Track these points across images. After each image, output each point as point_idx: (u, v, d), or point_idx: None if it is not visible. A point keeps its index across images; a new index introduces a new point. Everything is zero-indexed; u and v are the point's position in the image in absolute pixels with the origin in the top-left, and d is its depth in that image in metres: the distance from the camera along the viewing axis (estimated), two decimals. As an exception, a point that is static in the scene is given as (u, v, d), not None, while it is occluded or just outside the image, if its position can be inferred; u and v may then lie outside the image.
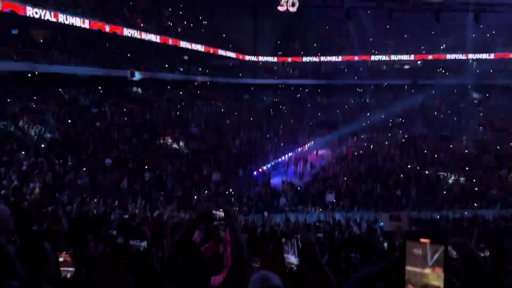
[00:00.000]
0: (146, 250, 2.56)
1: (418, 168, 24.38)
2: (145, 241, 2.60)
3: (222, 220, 2.40)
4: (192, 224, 2.44)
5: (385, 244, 6.58)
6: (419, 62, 46.42)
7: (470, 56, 42.52)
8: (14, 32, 24.20)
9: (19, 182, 13.45)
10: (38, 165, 15.98)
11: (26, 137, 18.65)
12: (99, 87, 28.34)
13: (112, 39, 30.57)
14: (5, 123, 18.86)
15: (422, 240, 1.33)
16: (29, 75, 23.66)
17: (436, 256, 1.31)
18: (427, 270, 1.32)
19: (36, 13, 22.74)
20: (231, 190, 20.65)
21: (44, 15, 23.23)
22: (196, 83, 38.52)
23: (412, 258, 1.33)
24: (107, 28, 27.91)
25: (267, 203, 19.06)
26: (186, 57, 39.48)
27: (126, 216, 9.75)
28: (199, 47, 38.03)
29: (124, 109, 27.40)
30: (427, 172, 23.39)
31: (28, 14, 22.28)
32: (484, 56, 41.83)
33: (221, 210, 2.42)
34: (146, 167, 19.72)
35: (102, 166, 18.35)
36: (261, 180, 23.67)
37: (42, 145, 18.44)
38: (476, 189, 21.00)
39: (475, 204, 18.74)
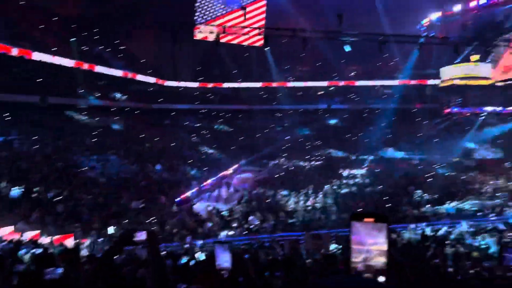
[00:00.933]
0: (63, 277, 2.41)
1: (335, 187, 25.63)
2: (61, 268, 2.44)
3: (144, 243, 2.33)
4: (113, 247, 2.35)
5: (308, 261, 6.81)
6: (331, 88, 49.37)
7: (377, 82, 46.21)
8: None
9: None
10: None
11: None
12: (7, 114, 26.22)
13: (20, 63, 28.63)
14: None
15: (366, 219, 1.42)
16: None
17: (380, 233, 1.41)
18: (372, 247, 1.41)
19: None
20: (153, 218, 19.96)
21: None
22: (114, 108, 37.20)
23: (357, 238, 1.43)
24: (15, 51, 26.15)
25: (192, 229, 18.69)
26: (102, 82, 38.10)
27: (39, 250, 9.02)
28: (117, 72, 36.97)
29: (34, 137, 25.56)
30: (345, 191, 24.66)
31: None
32: (390, 82, 45.75)
33: (142, 233, 2.36)
34: (60, 198, 18.44)
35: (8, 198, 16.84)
36: (184, 206, 23.22)
37: None
38: (390, 205, 22.45)
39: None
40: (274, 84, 47.76)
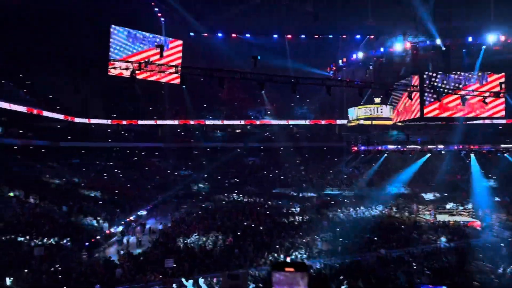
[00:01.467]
0: None
1: (253, 225, 25.66)
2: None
3: None
4: None
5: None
6: (248, 127, 50.49)
7: (291, 122, 48.31)
8: None
9: None
10: None
11: None
12: None
13: None
14: None
15: (287, 269, 1.41)
16: None
17: (302, 283, 1.40)
18: None
19: None
20: (57, 266, 18.27)
21: None
22: (15, 147, 34.31)
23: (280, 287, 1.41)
24: None
25: (101, 276, 17.36)
26: (3, 118, 35.17)
27: None
28: (20, 108, 34.38)
29: None
30: (261, 228, 24.75)
31: None
32: (301, 122, 48.17)
33: None
34: None
35: None
36: (94, 251, 21.65)
37: None
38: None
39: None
40: (192, 122, 47.66)
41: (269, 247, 21.31)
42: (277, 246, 21.33)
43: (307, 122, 48.29)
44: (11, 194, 26.49)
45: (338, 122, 47.19)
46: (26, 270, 16.85)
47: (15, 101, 34.01)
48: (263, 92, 28.39)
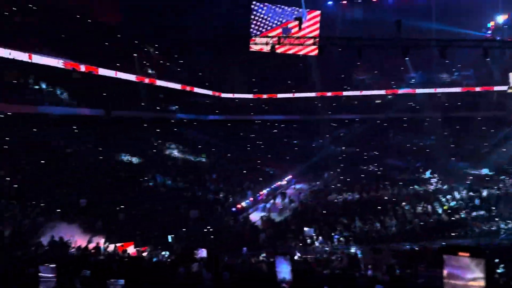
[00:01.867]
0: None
1: (394, 200, 24.62)
2: (123, 280, 2.50)
3: (204, 261, 2.32)
4: (173, 263, 2.36)
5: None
6: (389, 96, 47.76)
7: (438, 90, 44.08)
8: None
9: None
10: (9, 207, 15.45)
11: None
12: (74, 127, 27.93)
13: (86, 79, 30.42)
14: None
15: (461, 253, 1.33)
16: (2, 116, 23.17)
17: (477, 269, 1.32)
18: (470, 283, 1.32)
19: (10, 54, 22.59)
20: (209, 227, 20.27)
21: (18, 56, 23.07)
22: (172, 121, 38.47)
23: (452, 272, 1.33)
24: (82, 68, 27.85)
25: (246, 239, 18.75)
26: (161, 95, 39.59)
27: (102, 257, 9.45)
28: (176, 85, 38.26)
29: (100, 149, 26.97)
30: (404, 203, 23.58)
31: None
32: (452, 90, 43.44)
33: (201, 251, 2.34)
34: (121, 206, 19.30)
35: (77, 207, 17.84)
36: (240, 216, 23.38)
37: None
38: (452, 218, 21.23)
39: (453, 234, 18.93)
40: (329, 94, 47.08)
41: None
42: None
43: (459, 89, 43.46)
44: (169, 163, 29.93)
45: (496, 88, 41.60)
46: (184, 230, 19.05)
47: (172, 79, 37.91)
48: (407, 59, 26.56)
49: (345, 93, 47.11)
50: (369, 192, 26.63)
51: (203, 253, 2.38)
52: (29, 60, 23.85)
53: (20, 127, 24.15)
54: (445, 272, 1.21)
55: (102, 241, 14.46)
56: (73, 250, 11.44)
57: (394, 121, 44.32)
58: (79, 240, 14.54)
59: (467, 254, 1.14)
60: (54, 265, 2.48)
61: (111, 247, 13.62)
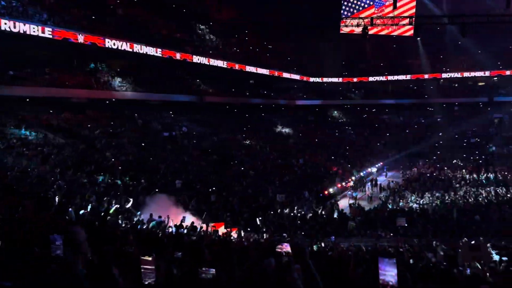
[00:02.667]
0: (215, 278, 2.54)
1: (495, 191, 22.53)
2: (213, 269, 2.58)
3: (290, 255, 2.30)
4: (256, 259, 2.38)
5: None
6: (495, 78, 43.44)
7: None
8: (92, 66, 26.43)
9: (96, 202, 14.18)
10: (114, 186, 16.88)
11: (103, 160, 19.81)
12: (170, 112, 29.68)
13: (181, 66, 31.99)
14: (84, 146, 20.21)
15: None
16: (107, 101, 25.41)
17: None
18: None
19: (114, 44, 24.53)
20: (295, 211, 20.40)
21: (121, 46, 24.96)
22: (261, 106, 39.05)
23: None
24: (178, 56, 29.32)
25: (335, 226, 18.53)
26: (251, 81, 40.29)
27: (195, 238, 9.95)
28: (264, 71, 38.66)
29: (194, 133, 28.38)
30: (509, 195, 21.47)
31: (107, 46, 24.10)
32: None
33: (285, 245, 2.33)
34: (213, 188, 20.16)
35: (172, 187, 19.00)
36: (328, 203, 23.15)
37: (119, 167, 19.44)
38: None
39: None
40: (426, 76, 44.17)
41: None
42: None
43: None
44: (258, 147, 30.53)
45: None
46: (271, 212, 19.39)
47: (260, 65, 38.33)
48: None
49: (444, 75, 43.86)
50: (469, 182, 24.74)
51: (287, 247, 2.37)
52: (130, 49, 25.66)
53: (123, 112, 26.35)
54: None
55: (197, 221, 15.22)
56: (169, 228, 12.16)
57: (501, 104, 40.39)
58: (174, 219, 15.49)
59: None
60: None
61: (204, 227, 14.30)
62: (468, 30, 19.99)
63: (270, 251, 2.36)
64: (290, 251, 2.30)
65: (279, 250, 2.31)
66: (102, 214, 11.94)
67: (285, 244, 2.34)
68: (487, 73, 42.23)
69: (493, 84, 43.65)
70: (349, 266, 5.13)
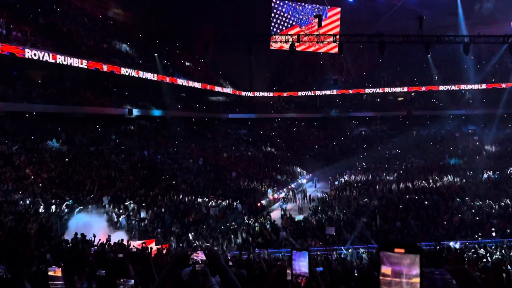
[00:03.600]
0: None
1: (416, 198, 24.18)
2: (132, 280, 2.53)
3: (205, 263, 2.30)
4: (168, 272, 2.35)
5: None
6: (412, 94, 47.02)
7: (463, 87, 43.01)
8: (15, 73, 24.73)
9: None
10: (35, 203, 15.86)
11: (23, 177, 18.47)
12: (97, 126, 28.48)
13: (109, 78, 30.99)
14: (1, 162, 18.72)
15: (397, 250, 1.30)
16: (27, 115, 23.76)
17: (412, 266, 1.29)
18: (404, 280, 1.29)
19: (35, 54, 23.15)
20: (228, 224, 20.41)
21: (43, 57, 23.62)
22: (193, 119, 38.79)
23: (387, 268, 1.31)
24: (105, 68, 28.36)
25: (266, 237, 18.79)
26: (183, 94, 39.98)
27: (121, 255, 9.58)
28: (196, 85, 38.56)
29: (122, 147, 27.45)
30: (426, 202, 23.12)
31: (27, 56, 22.68)
32: (476, 86, 42.21)
33: (198, 253, 2.33)
34: (143, 204, 19.62)
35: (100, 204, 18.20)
36: (259, 214, 23.41)
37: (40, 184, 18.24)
38: (477, 218, 20.71)
39: (476, 235, 18.45)
40: (350, 91, 46.72)
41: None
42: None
43: (483, 86, 42.09)
44: (191, 160, 30.26)
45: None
46: (204, 227, 19.23)
47: (191, 79, 38.22)
48: (429, 56, 26.02)
49: (367, 90, 46.58)
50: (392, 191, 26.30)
51: (201, 254, 2.32)
52: (53, 61, 24.38)
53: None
54: (382, 269, 1.19)
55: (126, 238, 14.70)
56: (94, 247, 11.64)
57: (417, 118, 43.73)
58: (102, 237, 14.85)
59: (402, 250, 1.11)
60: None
61: (133, 244, 13.84)
62: (386, 48, 21.53)
63: (185, 260, 2.36)
64: (205, 258, 2.32)
65: (195, 257, 2.32)
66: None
67: (200, 251, 2.36)
68: (405, 89, 45.56)
69: (411, 98, 47.28)
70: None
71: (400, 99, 48.77)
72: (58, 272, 2.40)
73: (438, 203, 22.62)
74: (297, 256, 2.05)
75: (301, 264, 2.03)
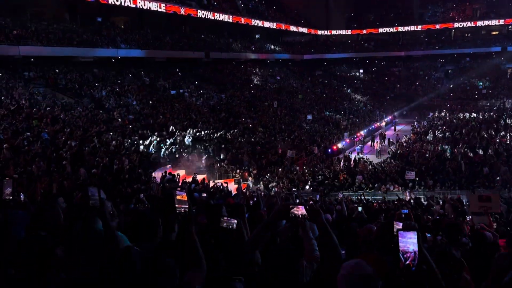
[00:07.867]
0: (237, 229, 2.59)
1: (509, 142, 22.30)
2: (235, 220, 2.62)
3: (305, 218, 2.31)
4: (268, 223, 2.38)
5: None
6: (510, 27, 42.04)
7: None
8: (99, 19, 25.86)
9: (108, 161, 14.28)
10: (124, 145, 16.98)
11: (112, 119, 19.75)
12: (177, 69, 29.31)
13: (186, 22, 31.29)
14: (93, 105, 20.11)
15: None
16: (113, 59, 25.05)
17: None
18: None
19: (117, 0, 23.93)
20: (305, 168, 20.54)
21: (124, 2, 24.34)
22: (268, 61, 38.40)
23: None
24: (182, 11, 28.63)
25: (343, 181, 18.68)
26: (257, 36, 39.46)
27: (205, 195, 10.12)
28: (271, 25, 37.74)
29: (201, 90, 28.15)
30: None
31: (109, 2, 23.52)
32: None
33: (299, 207, 2.33)
34: (223, 146, 20.27)
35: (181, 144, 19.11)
36: (336, 158, 23.23)
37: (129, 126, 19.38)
38: None
39: None
40: (437, 26, 42.88)
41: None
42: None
43: None
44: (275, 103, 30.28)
45: None
46: (280, 169, 19.58)
47: (266, 19, 37.41)
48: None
49: (456, 25, 42.52)
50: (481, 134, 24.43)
51: (302, 209, 2.33)
52: (134, 5, 25.03)
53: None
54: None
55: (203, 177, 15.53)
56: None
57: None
58: (184, 176, 15.83)
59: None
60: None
61: (211, 183, 14.59)
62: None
63: (286, 213, 2.36)
64: (305, 213, 2.31)
65: (295, 211, 2.33)
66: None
67: (301, 206, 2.35)
68: (502, 22, 40.82)
69: (508, 33, 42.36)
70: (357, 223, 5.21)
71: (494, 33, 43.90)
72: (185, 197, 2.51)
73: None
74: (404, 236, 1.99)
75: (410, 241, 1.97)
